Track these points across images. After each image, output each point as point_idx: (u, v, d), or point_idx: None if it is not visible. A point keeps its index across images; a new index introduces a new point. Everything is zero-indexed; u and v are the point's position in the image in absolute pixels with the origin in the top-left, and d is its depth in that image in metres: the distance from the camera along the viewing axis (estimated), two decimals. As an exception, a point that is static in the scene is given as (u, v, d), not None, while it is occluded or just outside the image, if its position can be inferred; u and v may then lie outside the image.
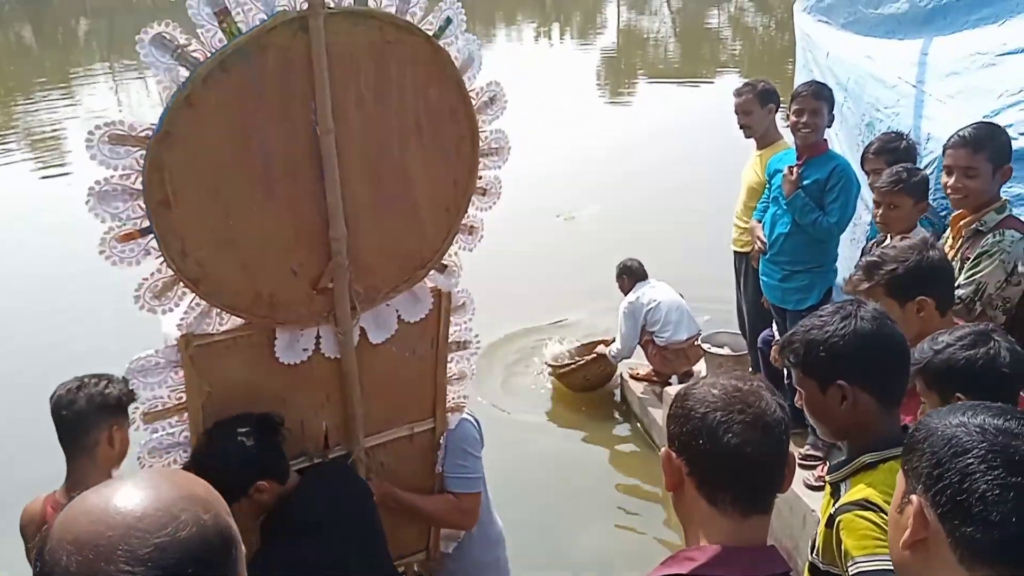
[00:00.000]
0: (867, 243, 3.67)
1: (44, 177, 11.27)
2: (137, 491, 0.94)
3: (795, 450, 4.12)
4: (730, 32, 21.75)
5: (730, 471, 1.32)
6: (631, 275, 5.61)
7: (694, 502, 1.36)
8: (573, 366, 5.78)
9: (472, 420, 2.63)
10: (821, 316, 1.87)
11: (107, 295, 5.29)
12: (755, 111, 4.47)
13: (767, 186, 4.34)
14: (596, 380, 5.81)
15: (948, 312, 2.35)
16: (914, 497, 1.18)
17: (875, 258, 2.38)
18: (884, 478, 1.71)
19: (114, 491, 0.95)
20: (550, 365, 5.98)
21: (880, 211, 3.28)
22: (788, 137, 4.45)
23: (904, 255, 2.31)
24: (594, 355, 5.70)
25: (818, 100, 3.92)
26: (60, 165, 11.76)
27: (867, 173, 3.80)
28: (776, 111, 4.58)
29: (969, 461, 1.13)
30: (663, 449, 1.42)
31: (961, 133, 2.96)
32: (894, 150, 3.64)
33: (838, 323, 1.81)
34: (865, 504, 1.71)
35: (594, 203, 9.25)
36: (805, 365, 1.85)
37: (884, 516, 1.61)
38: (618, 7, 27.00)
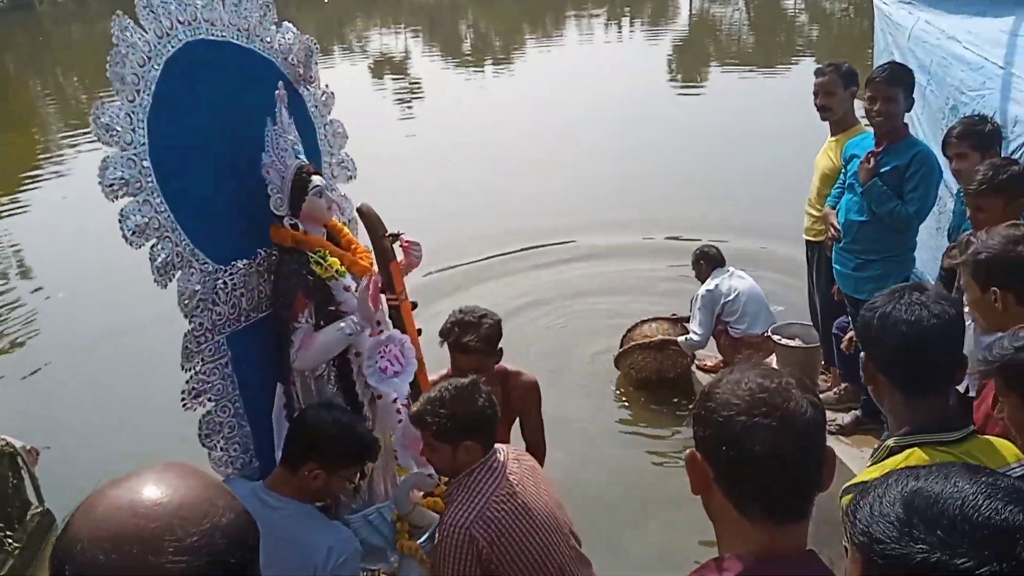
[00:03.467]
0: (958, 233, 3.44)
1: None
2: (168, 482, 0.93)
3: (858, 448, 3.93)
4: (806, 18, 21.16)
5: (757, 479, 1.22)
6: (709, 261, 5.41)
7: (722, 509, 1.26)
8: (649, 343, 5.43)
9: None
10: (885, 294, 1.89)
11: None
12: (838, 92, 4.31)
13: (842, 172, 4.19)
14: (669, 371, 5.54)
15: None
16: None
17: (972, 236, 2.35)
18: (899, 462, 1.71)
19: (142, 484, 0.93)
20: (631, 341, 5.54)
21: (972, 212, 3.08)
22: (865, 122, 4.30)
23: (993, 241, 2.22)
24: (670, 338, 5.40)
25: (893, 87, 3.73)
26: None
27: (949, 158, 3.63)
28: (855, 94, 4.42)
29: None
30: (687, 450, 1.32)
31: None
32: (979, 133, 3.47)
33: (885, 302, 1.85)
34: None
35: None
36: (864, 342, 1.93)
37: None
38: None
